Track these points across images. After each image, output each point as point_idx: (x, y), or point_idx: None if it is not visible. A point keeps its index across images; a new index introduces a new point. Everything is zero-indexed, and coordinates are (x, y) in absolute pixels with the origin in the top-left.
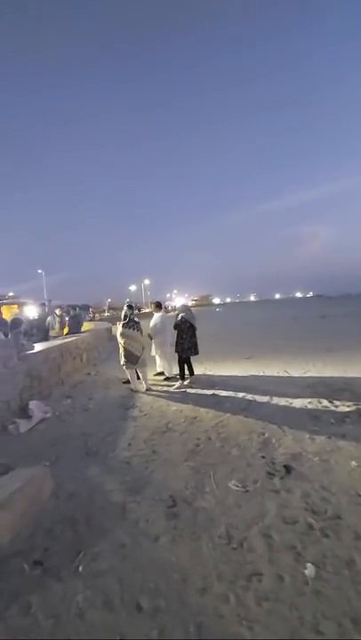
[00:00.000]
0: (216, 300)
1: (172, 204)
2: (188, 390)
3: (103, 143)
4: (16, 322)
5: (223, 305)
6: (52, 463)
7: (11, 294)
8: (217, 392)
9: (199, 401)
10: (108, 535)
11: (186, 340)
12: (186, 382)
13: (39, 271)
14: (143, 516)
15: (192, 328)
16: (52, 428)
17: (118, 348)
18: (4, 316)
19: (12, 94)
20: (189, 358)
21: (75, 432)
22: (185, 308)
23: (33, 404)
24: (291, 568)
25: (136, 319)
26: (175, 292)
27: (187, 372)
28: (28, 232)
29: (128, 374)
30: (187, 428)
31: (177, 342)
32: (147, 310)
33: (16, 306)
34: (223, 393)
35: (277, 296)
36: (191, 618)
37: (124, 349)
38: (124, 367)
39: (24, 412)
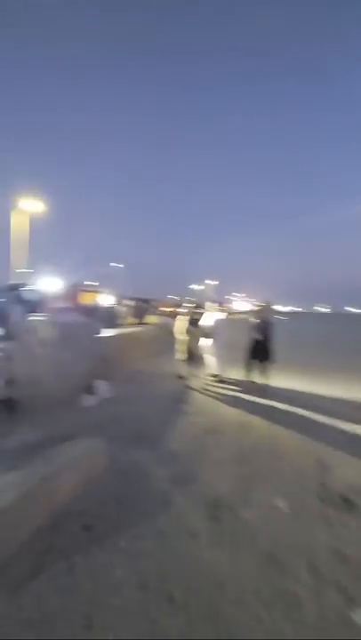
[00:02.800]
0: (281, 308)
1: (240, 208)
2: (243, 396)
3: (176, 148)
4: (92, 308)
5: (289, 314)
6: (107, 440)
7: (87, 283)
8: (273, 403)
9: (254, 409)
10: (150, 520)
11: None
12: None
13: (112, 264)
14: (185, 511)
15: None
16: (112, 407)
17: (177, 343)
18: (82, 303)
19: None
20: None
21: (130, 415)
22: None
23: (98, 384)
24: (337, 608)
25: (197, 317)
26: (237, 295)
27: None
28: (101, 225)
29: (184, 370)
30: (238, 434)
31: (269, 347)
32: (204, 311)
33: (93, 294)
34: (280, 405)
35: (352, 309)
36: (223, 625)
37: (183, 345)
38: (181, 363)
39: (90, 390)
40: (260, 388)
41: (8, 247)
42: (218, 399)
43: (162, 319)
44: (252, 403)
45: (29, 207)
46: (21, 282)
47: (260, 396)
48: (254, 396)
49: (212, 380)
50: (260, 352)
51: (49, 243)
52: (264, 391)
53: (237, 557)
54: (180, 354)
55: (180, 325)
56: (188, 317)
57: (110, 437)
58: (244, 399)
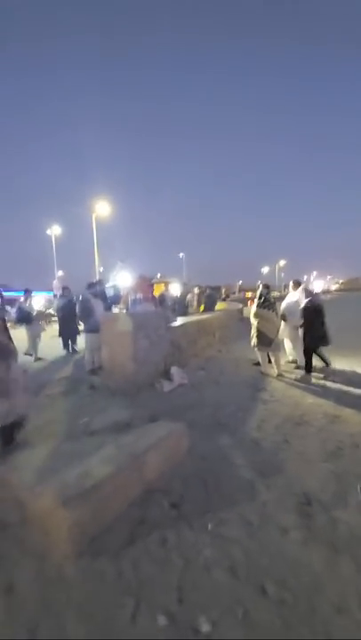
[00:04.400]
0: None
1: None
2: (328, 384)
3: (239, 128)
4: (164, 298)
5: None
6: (187, 424)
7: (159, 275)
8: None
9: (343, 399)
10: (235, 507)
11: (315, 328)
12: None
13: (180, 255)
14: (272, 502)
15: (321, 315)
16: (188, 393)
17: (250, 329)
18: (154, 294)
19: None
20: (319, 349)
21: (207, 401)
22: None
23: (174, 370)
24: None
25: (272, 299)
26: (314, 273)
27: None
28: (170, 216)
29: (259, 356)
30: (326, 427)
31: (305, 331)
32: (276, 294)
33: (164, 284)
34: None
35: None
36: (322, 629)
37: (257, 330)
38: (256, 349)
39: (167, 375)
40: (347, 375)
41: (80, 248)
42: (297, 387)
43: (233, 305)
44: (343, 392)
45: (101, 210)
46: (100, 279)
47: (351, 385)
48: (337, 383)
49: (291, 367)
50: (310, 335)
51: (119, 240)
52: (356, 379)
53: (335, 561)
54: (255, 339)
55: (253, 310)
56: (260, 301)
57: (190, 422)
58: (326, 387)
